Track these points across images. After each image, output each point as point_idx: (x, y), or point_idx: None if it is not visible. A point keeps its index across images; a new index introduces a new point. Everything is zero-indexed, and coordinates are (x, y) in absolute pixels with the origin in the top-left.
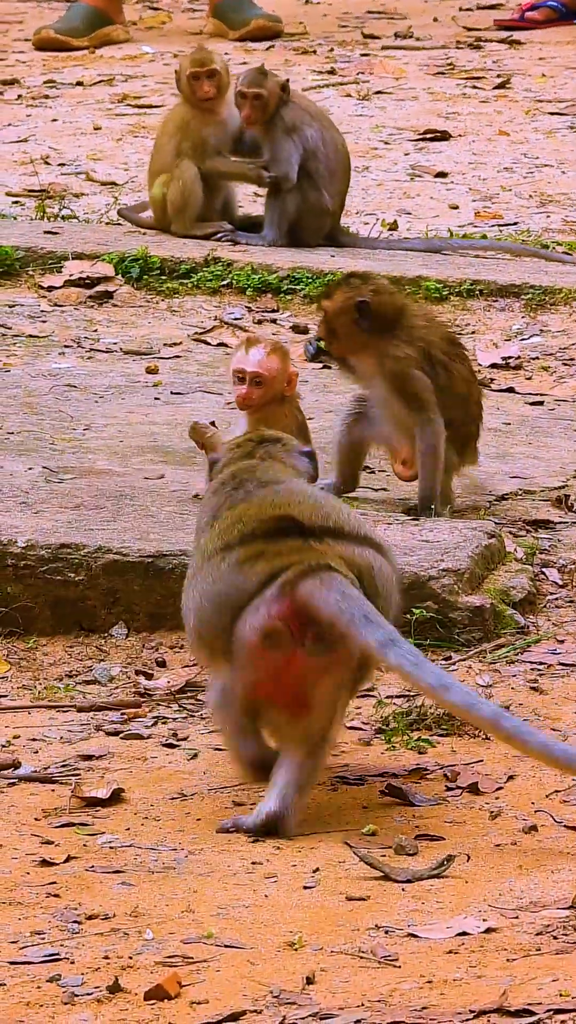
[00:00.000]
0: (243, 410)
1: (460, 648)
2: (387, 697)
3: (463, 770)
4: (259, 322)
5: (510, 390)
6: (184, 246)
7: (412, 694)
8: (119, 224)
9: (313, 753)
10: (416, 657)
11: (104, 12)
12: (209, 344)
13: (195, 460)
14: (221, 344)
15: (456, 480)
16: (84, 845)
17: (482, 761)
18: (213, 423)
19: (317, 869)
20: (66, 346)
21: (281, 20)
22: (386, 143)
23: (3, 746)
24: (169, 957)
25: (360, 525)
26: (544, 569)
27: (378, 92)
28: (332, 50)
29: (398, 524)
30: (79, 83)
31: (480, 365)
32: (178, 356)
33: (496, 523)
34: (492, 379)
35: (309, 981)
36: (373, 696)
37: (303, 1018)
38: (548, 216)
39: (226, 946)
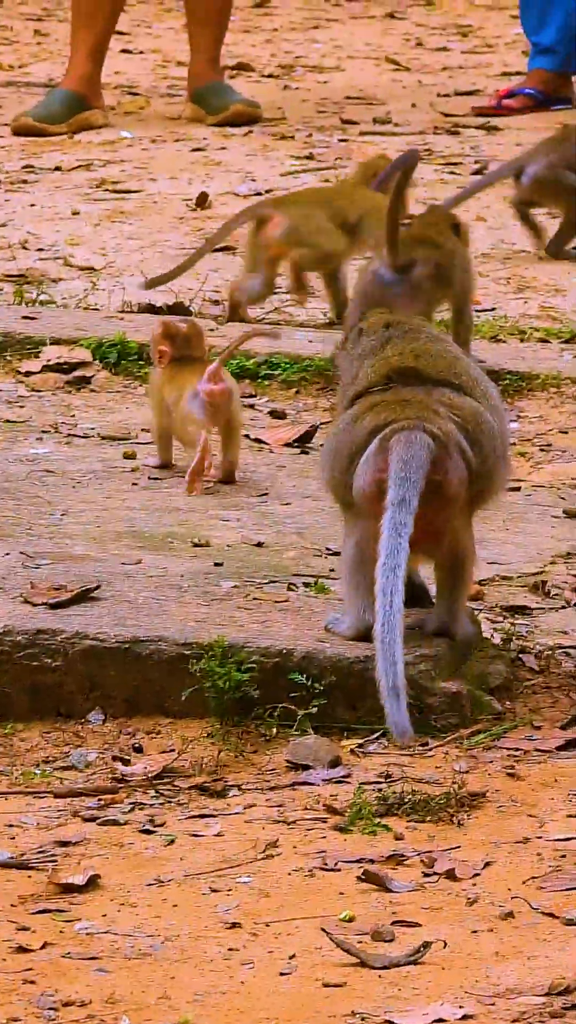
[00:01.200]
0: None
1: (437, 734)
2: (364, 783)
3: (440, 856)
4: None
5: None
6: None
7: (391, 779)
8: (96, 309)
9: (457, 570)
10: (396, 527)
11: (83, 97)
12: None
13: (172, 546)
14: None
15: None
16: (60, 931)
17: (459, 847)
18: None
19: (294, 955)
20: (43, 431)
21: (259, 105)
22: None
23: None
24: None
25: (483, 383)
26: (521, 655)
27: None
28: (311, 135)
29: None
30: (57, 168)
31: None
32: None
33: (473, 609)
34: None
35: None
36: (350, 783)
37: None
38: (525, 302)
39: None
